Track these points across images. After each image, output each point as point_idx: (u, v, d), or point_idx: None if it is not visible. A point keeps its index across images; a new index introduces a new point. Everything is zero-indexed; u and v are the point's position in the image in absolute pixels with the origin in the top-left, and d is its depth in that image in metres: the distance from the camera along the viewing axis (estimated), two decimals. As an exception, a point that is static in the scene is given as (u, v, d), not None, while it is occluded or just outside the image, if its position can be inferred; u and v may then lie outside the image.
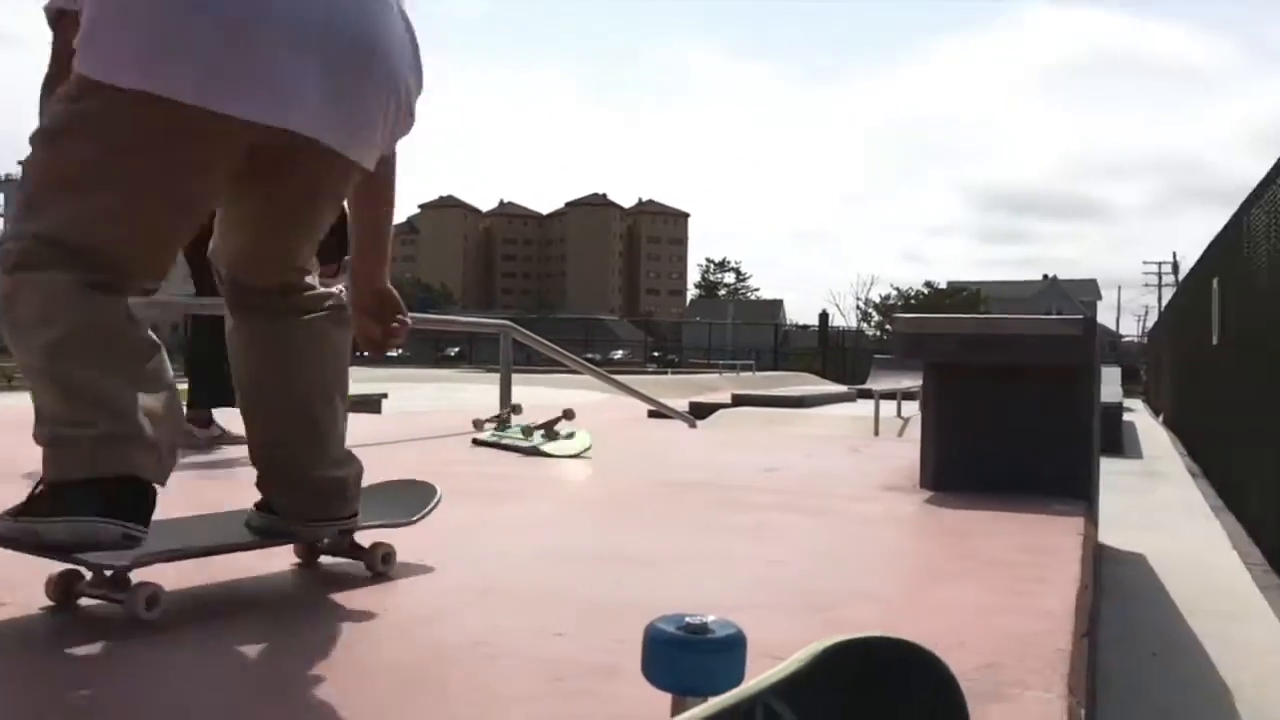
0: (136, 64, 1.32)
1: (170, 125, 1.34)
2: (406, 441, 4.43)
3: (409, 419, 8.03)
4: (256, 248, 1.55)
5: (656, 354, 62.39)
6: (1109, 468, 5.53)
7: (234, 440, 3.61)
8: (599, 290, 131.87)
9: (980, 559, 2.11)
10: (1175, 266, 69.14)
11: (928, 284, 68.47)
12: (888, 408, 12.28)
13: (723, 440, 5.36)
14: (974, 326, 3.06)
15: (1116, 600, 3.82)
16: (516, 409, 4.60)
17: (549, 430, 4.16)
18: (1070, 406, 3.02)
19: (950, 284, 74.08)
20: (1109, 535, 4.07)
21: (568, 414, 4.31)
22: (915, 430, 13.18)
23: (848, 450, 4.60)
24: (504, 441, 4.20)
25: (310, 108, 1.38)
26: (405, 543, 1.97)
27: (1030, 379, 3.04)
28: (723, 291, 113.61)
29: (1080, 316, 3.05)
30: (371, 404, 13.29)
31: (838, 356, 41.39)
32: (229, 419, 3.59)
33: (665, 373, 35.53)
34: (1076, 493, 2.97)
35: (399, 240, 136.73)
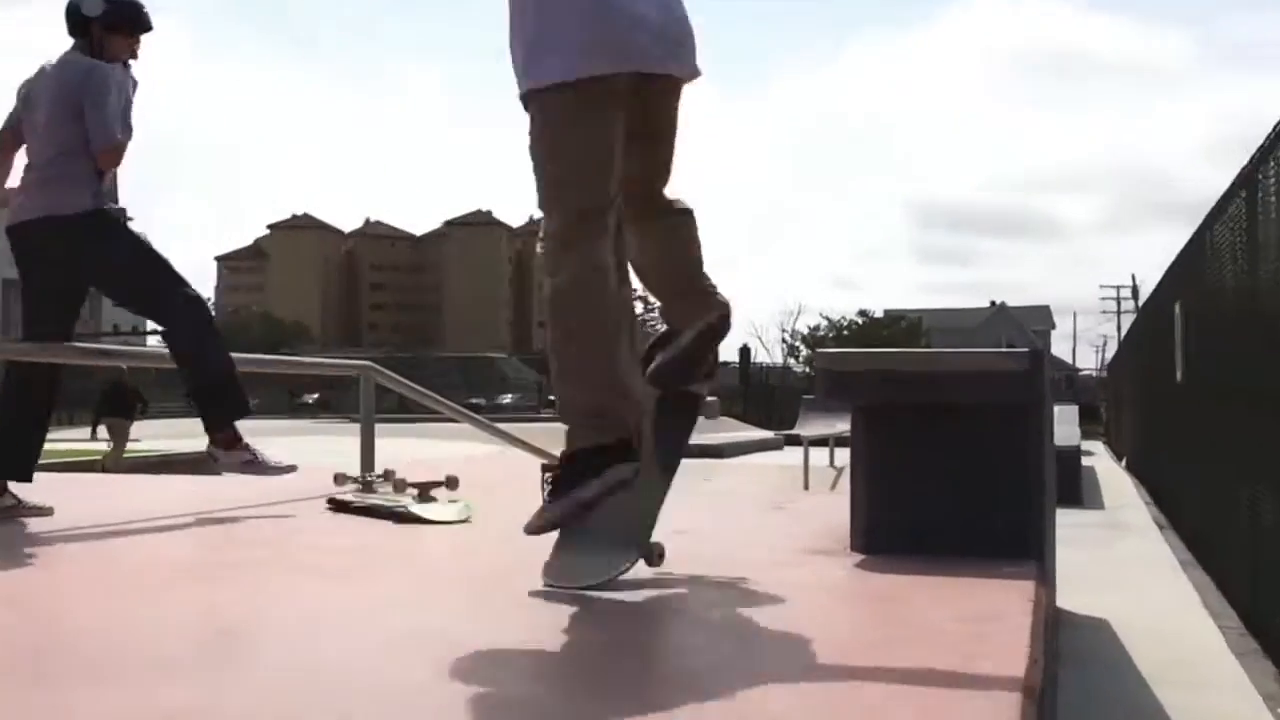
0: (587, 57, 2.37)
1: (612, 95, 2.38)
2: (248, 508, 4.31)
3: (255, 480, 7.81)
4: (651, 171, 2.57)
5: (552, 398, 61.99)
6: (1066, 520, 5.66)
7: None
8: (485, 324, 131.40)
9: (914, 629, 2.11)
10: (1135, 290, 71.82)
11: (862, 313, 69.83)
12: (819, 456, 12.42)
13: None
14: (904, 362, 3.09)
15: (1075, 669, 3.88)
16: (387, 476, 4.48)
17: (423, 491, 4.08)
18: (1018, 451, 3.06)
19: (888, 312, 75.64)
20: (1067, 598, 4.15)
21: (450, 482, 4.24)
22: (849, 482, 13.23)
23: (770, 507, 4.61)
24: (368, 504, 4.12)
25: (686, 57, 2.52)
26: (210, 624, 1.88)
27: (971, 421, 3.07)
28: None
29: (1026, 350, 3.10)
30: (184, 465, 12.80)
31: (761, 397, 41.87)
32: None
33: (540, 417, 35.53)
34: (1027, 550, 3.01)
35: (242, 267, 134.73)
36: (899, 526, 3.12)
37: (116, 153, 3.75)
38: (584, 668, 1.90)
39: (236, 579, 2.80)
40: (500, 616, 2.32)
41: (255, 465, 3.96)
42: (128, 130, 3.75)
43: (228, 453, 3.91)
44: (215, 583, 2.77)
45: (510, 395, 63.86)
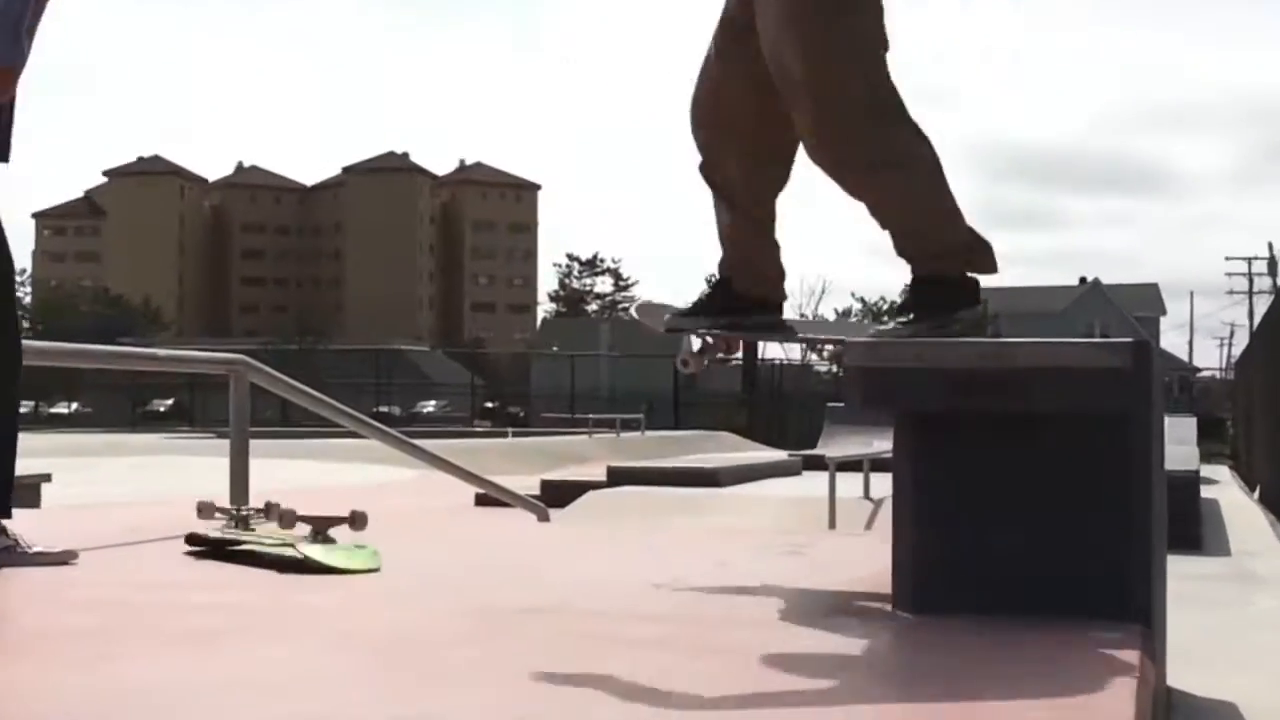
0: None
1: None
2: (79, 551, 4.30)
3: (83, 517, 7.79)
4: None
5: (491, 404, 62.34)
6: (1180, 569, 5.69)
7: None
8: (399, 305, 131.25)
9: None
10: (1273, 263, 72.53)
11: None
12: (849, 484, 12.50)
13: (591, 540, 5.35)
14: (966, 357, 3.10)
15: (1193, 775, 3.90)
16: (269, 510, 4.46)
17: (317, 530, 4.08)
18: (1118, 477, 3.07)
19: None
20: (1181, 674, 4.17)
21: (356, 520, 4.23)
22: (892, 519, 13.45)
23: (784, 551, 4.63)
24: (241, 546, 4.10)
25: None
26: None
27: (1056, 436, 3.09)
28: (594, 306, 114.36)
29: (1130, 340, 3.12)
30: (26, 491, 12.93)
31: (772, 406, 42.08)
32: None
33: (505, 434, 35.52)
34: (1129, 611, 3.02)
35: (69, 228, 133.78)
36: (958, 578, 3.12)
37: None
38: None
39: (65, 652, 2.79)
40: (416, 699, 2.32)
41: (12, 555, 3.84)
42: (18, 49, 3.72)
43: None
44: (33, 659, 2.75)
45: (434, 402, 63.85)
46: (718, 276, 3.77)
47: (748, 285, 3.73)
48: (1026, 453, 3.12)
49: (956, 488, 3.16)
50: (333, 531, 4.18)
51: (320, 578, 3.78)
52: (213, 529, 4.36)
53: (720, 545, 4.97)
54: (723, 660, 2.66)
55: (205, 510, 4.56)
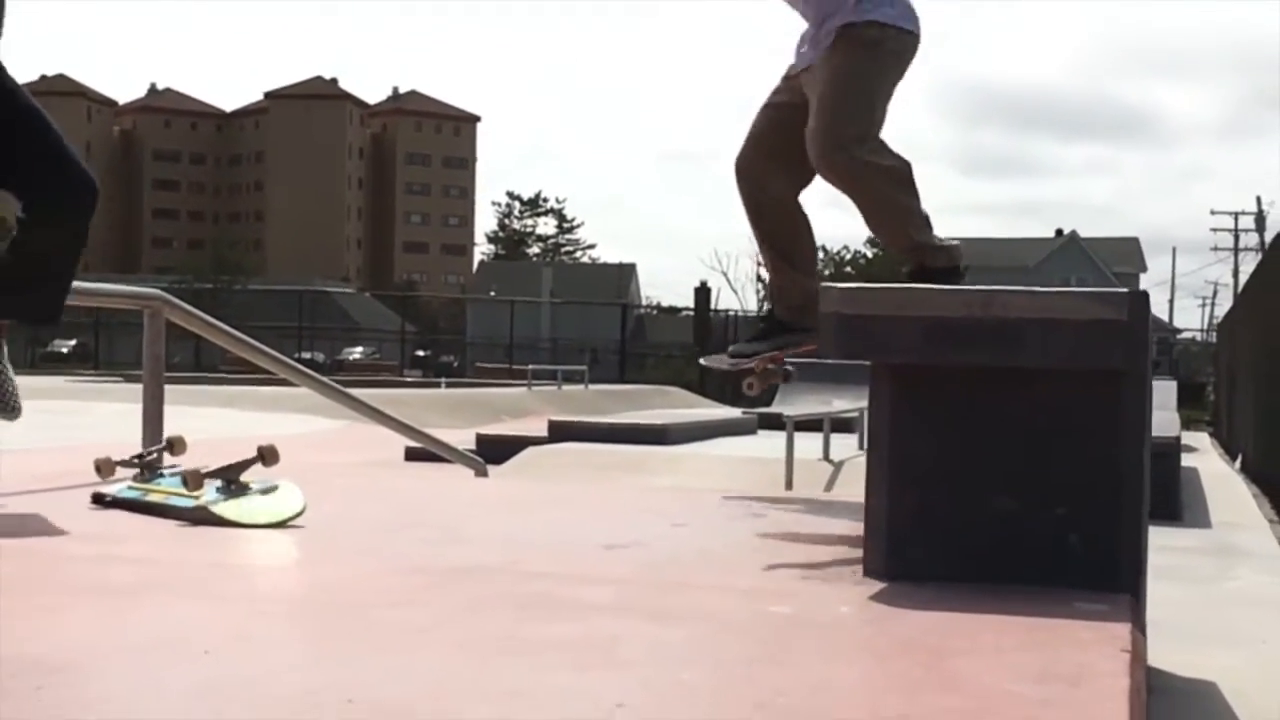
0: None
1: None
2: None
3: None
4: None
5: (423, 353, 62.14)
6: (1158, 540, 5.73)
7: None
8: (325, 243, 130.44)
9: (960, 695, 2.11)
10: (1261, 219, 73.06)
11: (872, 242, 70.28)
12: (808, 444, 12.53)
13: (533, 498, 5.33)
14: (954, 305, 3.08)
15: (1176, 758, 3.93)
16: (173, 445, 4.49)
17: (230, 479, 4.04)
18: (1108, 438, 3.08)
19: (910, 241, 76.09)
20: (1160, 650, 4.20)
21: (266, 455, 4.19)
22: (852, 481, 13.68)
23: (744, 514, 4.62)
24: (150, 499, 4.08)
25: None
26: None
27: (1046, 393, 3.08)
28: (535, 249, 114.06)
29: (1126, 290, 3.12)
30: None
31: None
32: None
33: (438, 384, 35.40)
34: (1117, 581, 3.03)
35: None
36: (935, 543, 3.13)
37: None
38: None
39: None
40: (351, 662, 2.29)
41: None
42: None
43: None
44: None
45: (361, 348, 63.58)
46: (768, 309, 5.43)
47: (783, 312, 5.22)
48: (1013, 409, 3.12)
49: (936, 445, 3.16)
50: (245, 476, 4.13)
51: (236, 531, 3.74)
52: (116, 482, 4.32)
53: (675, 505, 4.95)
54: (685, 627, 2.65)
55: (105, 468, 4.52)
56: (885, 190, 4.89)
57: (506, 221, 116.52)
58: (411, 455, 14.91)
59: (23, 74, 4.18)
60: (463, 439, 12.57)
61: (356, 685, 2.11)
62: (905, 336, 3.06)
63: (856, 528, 3.76)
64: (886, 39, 4.87)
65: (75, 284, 5.67)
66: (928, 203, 5.07)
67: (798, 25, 5.11)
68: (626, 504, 5.06)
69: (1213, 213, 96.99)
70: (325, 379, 7.95)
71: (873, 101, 4.90)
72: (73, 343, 57.24)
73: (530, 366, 31.86)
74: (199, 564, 3.30)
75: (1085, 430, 3.08)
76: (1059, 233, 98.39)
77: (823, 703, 2.13)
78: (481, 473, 8.35)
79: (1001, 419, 3.14)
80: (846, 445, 14.38)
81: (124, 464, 4.52)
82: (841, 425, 15.05)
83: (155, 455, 4.48)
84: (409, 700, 2.04)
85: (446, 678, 2.21)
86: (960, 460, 3.15)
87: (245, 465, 4.10)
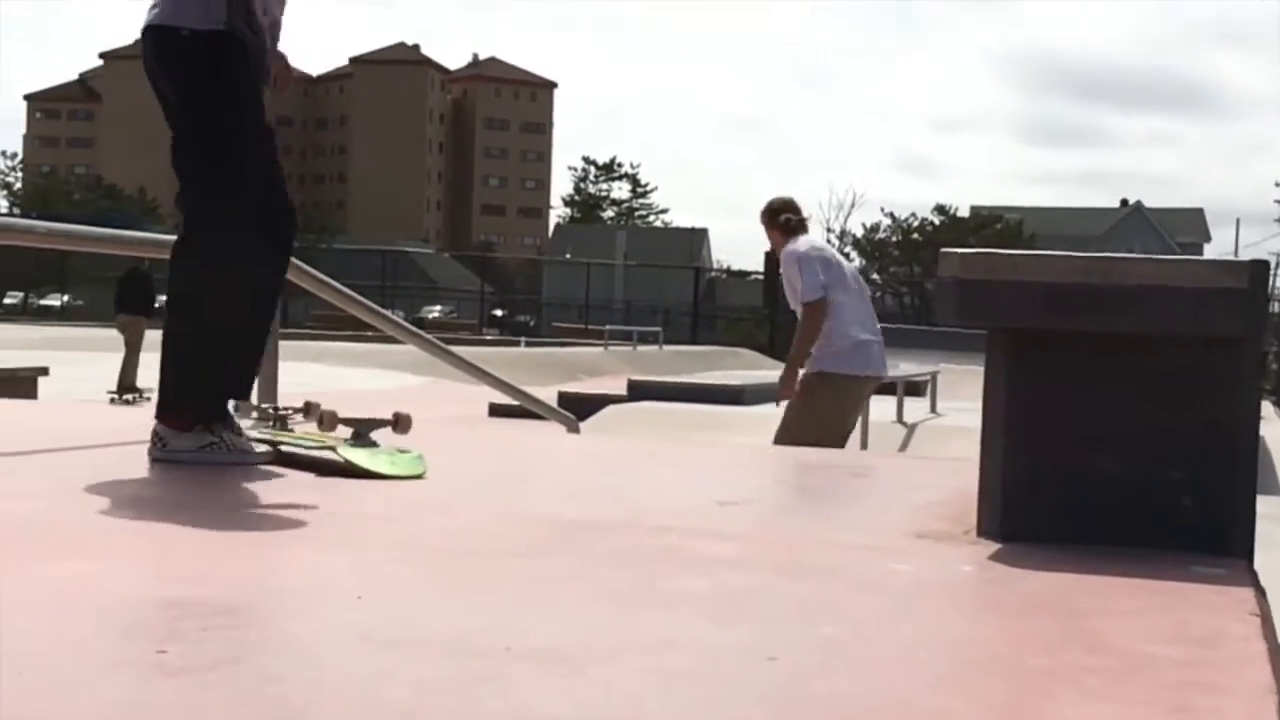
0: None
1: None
2: (71, 451, 4.29)
3: (85, 411, 7.79)
4: None
5: (500, 313, 62.28)
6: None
7: None
8: (405, 205, 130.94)
9: (1110, 655, 2.09)
10: (1324, 191, 71.90)
11: (940, 209, 69.80)
12: (881, 407, 12.49)
13: (630, 454, 5.33)
14: (1073, 272, 3.05)
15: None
16: (309, 410, 4.47)
17: (359, 435, 4.05)
18: (1225, 405, 3.04)
19: (976, 210, 75.63)
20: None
21: (400, 423, 4.19)
22: (923, 443, 13.55)
23: (841, 473, 4.61)
24: (283, 446, 4.09)
25: None
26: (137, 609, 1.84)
27: (1161, 359, 3.05)
28: (610, 213, 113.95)
29: (1249, 259, 3.07)
30: (23, 384, 13.01)
31: (794, 322, 41.83)
32: None
33: (516, 342, 35.52)
34: (1228, 545, 3.00)
35: (62, 111, 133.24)
36: (1049, 505, 3.10)
37: None
38: (652, 679, 1.86)
39: (127, 549, 2.77)
40: (498, 608, 2.29)
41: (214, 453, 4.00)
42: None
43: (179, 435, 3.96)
44: (100, 556, 2.73)
45: (440, 307, 63.79)
46: None
47: None
48: (1129, 374, 3.08)
49: (1051, 409, 3.12)
50: (375, 434, 4.15)
51: (364, 483, 3.75)
52: (250, 429, 4.34)
53: (770, 463, 4.95)
54: (812, 582, 2.64)
55: (242, 410, 4.53)
56: None
57: (582, 186, 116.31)
58: (495, 411, 15.02)
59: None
60: (545, 396, 12.60)
61: (508, 632, 2.12)
62: (1025, 302, 3.02)
63: (956, 486, 3.75)
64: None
65: (131, 235, 5.71)
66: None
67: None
68: (723, 461, 5.05)
69: (1277, 184, 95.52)
70: (431, 338, 7.96)
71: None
72: (164, 297, 57.70)
73: (607, 327, 31.84)
74: (337, 515, 3.31)
75: (1201, 395, 3.04)
76: (1124, 203, 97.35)
77: (965, 656, 2.11)
78: (574, 429, 8.38)
79: (1117, 383, 3.10)
80: (918, 408, 14.36)
81: (257, 410, 4.55)
82: (913, 389, 15.02)
83: (286, 413, 4.49)
84: (563, 648, 2.04)
85: (594, 627, 2.21)
86: (1075, 424, 3.11)
87: (378, 424, 4.11)
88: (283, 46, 4.30)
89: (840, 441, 7.40)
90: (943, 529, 3.24)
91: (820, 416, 7.30)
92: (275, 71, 4.26)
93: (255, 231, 4.00)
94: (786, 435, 7.30)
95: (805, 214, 7.84)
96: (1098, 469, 3.09)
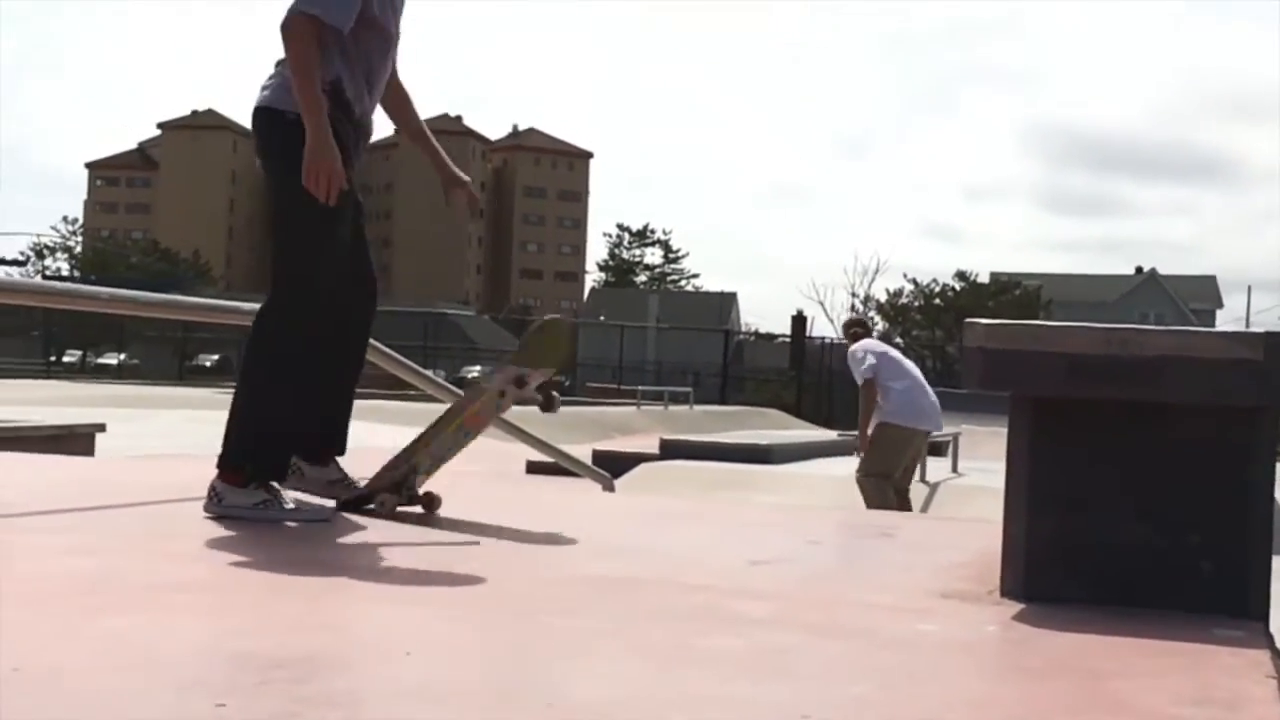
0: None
1: None
2: (128, 507, 4.30)
3: (140, 467, 7.82)
4: None
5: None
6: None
7: None
8: (446, 269, 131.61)
9: (1136, 718, 2.07)
10: (1333, 260, 71.38)
11: (961, 275, 69.67)
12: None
13: (665, 513, 5.31)
14: (1094, 343, 3.05)
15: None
16: (431, 502, 4.38)
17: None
18: (1241, 471, 3.03)
19: (995, 276, 75.49)
20: None
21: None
22: (945, 502, 13.49)
23: (871, 532, 4.60)
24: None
25: None
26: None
27: (1181, 427, 3.05)
28: (643, 277, 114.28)
29: (1263, 331, 3.07)
30: (80, 441, 13.07)
31: (821, 383, 41.87)
32: None
33: (552, 402, 35.48)
34: (1246, 608, 2.98)
35: (121, 178, 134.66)
36: (1071, 567, 3.10)
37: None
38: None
39: (178, 604, 2.78)
40: (539, 664, 2.29)
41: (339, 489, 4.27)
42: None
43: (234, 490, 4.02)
44: (150, 610, 2.74)
45: (479, 367, 63.88)
46: None
47: None
48: (1148, 442, 3.08)
49: (1073, 474, 3.12)
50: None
51: (412, 541, 3.76)
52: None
53: (801, 523, 4.92)
54: (843, 642, 2.63)
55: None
56: None
57: (616, 251, 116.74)
58: (533, 468, 15.00)
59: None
60: (580, 454, 12.59)
61: (550, 689, 2.12)
62: (1048, 371, 3.03)
63: (979, 547, 3.73)
64: None
65: (226, 302, 5.79)
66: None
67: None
68: (755, 520, 5.03)
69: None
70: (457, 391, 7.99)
71: None
72: (216, 357, 58.02)
73: (639, 387, 31.83)
74: (387, 570, 3.33)
75: (1219, 462, 3.04)
76: (1139, 270, 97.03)
77: (991, 718, 2.10)
78: (609, 487, 8.37)
79: (1137, 450, 3.10)
80: (939, 468, 14.31)
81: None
82: (934, 449, 14.97)
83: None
84: (604, 704, 2.04)
85: (633, 683, 2.20)
86: (1096, 488, 3.11)
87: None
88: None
89: (895, 468, 10.55)
90: (968, 589, 3.23)
91: (879, 453, 10.51)
92: (466, 195, 4.87)
93: (328, 318, 4.15)
94: (864, 467, 10.59)
95: (869, 326, 12.23)
96: (1118, 533, 3.08)
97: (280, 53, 4.11)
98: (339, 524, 3.97)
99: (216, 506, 3.98)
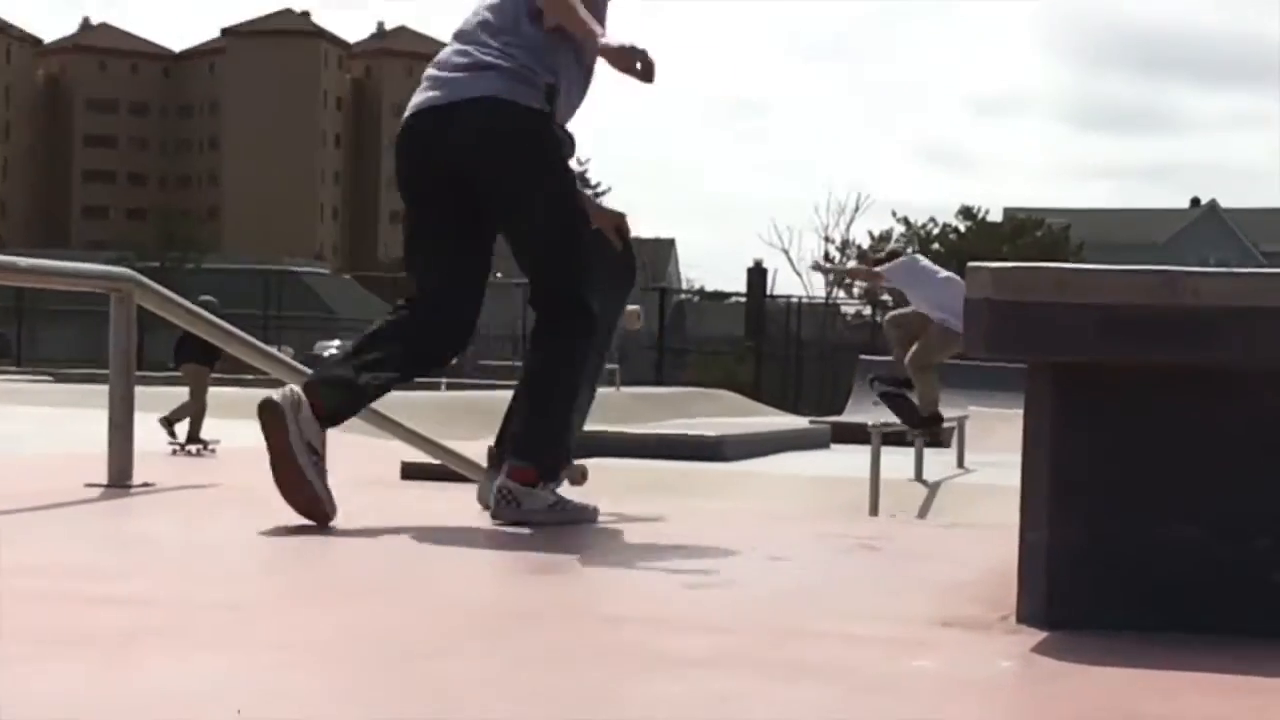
0: None
1: None
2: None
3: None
4: None
5: (415, 347, 61.70)
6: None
7: None
8: (293, 215, 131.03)
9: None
10: None
11: (967, 212, 70.08)
12: (896, 461, 12.54)
13: (591, 525, 5.30)
14: (1134, 290, 3.06)
15: None
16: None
17: None
18: (1325, 455, 3.05)
19: (1012, 213, 75.98)
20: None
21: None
22: (950, 507, 13.68)
23: (850, 544, 4.61)
24: None
25: None
26: None
27: (1245, 400, 3.06)
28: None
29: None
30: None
31: (787, 356, 42.03)
32: None
33: (436, 385, 35.37)
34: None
35: None
36: (1107, 582, 3.12)
37: None
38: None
39: None
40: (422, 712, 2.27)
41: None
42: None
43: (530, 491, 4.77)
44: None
45: (338, 341, 63.38)
46: None
47: None
48: (1205, 419, 3.10)
49: (1109, 463, 3.14)
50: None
51: (243, 569, 3.76)
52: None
53: (762, 533, 4.94)
54: (811, 688, 2.63)
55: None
56: None
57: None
58: (409, 472, 14.94)
59: None
60: (471, 453, 12.57)
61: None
62: (1075, 329, 3.04)
63: (990, 561, 3.75)
64: None
65: (16, 261, 5.75)
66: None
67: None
68: (702, 531, 5.04)
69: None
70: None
71: None
72: (-7, 335, 57.54)
73: (548, 365, 31.79)
74: (206, 604, 3.30)
75: (1298, 446, 3.06)
76: (1195, 202, 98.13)
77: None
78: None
79: (1190, 431, 3.12)
80: (942, 461, 14.41)
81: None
82: (935, 440, 15.04)
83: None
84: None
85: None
86: (1139, 482, 3.13)
87: None
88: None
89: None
90: (975, 614, 3.24)
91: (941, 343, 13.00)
92: (616, 224, 5.32)
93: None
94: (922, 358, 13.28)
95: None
96: (1167, 537, 3.10)
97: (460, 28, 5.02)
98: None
99: (514, 511, 4.72)
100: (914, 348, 13.28)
